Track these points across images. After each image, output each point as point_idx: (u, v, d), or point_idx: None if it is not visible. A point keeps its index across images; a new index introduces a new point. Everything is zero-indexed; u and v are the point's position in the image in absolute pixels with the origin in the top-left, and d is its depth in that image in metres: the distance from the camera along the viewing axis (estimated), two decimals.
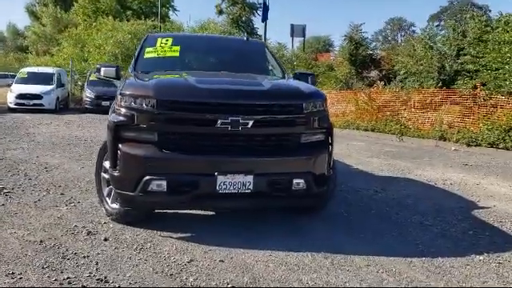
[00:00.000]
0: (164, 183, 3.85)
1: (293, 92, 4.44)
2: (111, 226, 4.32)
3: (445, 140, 12.73)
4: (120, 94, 4.06)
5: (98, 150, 4.77)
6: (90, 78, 19.72)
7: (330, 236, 4.30)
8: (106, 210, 4.53)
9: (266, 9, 17.62)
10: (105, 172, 4.56)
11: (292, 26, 31.50)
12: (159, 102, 3.85)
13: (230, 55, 5.81)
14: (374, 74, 27.75)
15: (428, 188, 6.76)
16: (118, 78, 5.23)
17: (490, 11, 61.83)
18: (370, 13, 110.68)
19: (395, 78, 20.73)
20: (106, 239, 3.96)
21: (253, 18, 41.46)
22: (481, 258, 3.93)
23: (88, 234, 4.07)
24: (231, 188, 3.89)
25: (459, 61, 15.92)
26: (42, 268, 3.34)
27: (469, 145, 11.95)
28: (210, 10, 66.93)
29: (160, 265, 3.49)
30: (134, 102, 3.93)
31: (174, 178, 3.89)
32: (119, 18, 33.98)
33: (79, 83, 25.92)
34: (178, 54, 5.38)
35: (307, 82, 5.19)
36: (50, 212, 4.69)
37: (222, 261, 3.60)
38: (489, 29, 15.34)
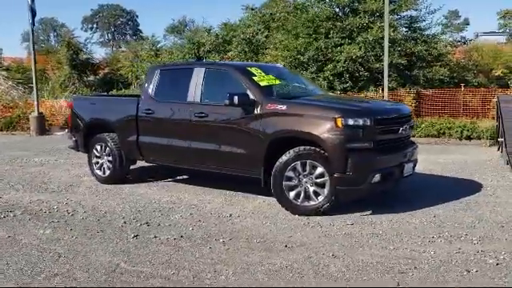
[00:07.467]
0: (379, 175, 5.49)
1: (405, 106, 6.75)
2: (313, 218, 5.40)
3: None
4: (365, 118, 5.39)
5: None
6: None
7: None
8: (299, 209, 5.59)
9: (33, 14, 16.29)
10: (286, 181, 5.63)
11: None
12: (376, 120, 5.46)
13: (290, 80, 7.30)
14: (92, 77, 29.92)
15: None
16: (250, 104, 5.83)
17: (137, 16, 69.62)
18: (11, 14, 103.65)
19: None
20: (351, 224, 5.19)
21: None
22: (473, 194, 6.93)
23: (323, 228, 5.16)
24: (406, 172, 5.87)
25: None
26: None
27: None
28: None
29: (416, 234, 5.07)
30: (360, 122, 5.33)
31: (384, 170, 5.58)
32: None
33: None
34: (279, 82, 6.46)
35: None
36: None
37: (435, 218, 5.49)
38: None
